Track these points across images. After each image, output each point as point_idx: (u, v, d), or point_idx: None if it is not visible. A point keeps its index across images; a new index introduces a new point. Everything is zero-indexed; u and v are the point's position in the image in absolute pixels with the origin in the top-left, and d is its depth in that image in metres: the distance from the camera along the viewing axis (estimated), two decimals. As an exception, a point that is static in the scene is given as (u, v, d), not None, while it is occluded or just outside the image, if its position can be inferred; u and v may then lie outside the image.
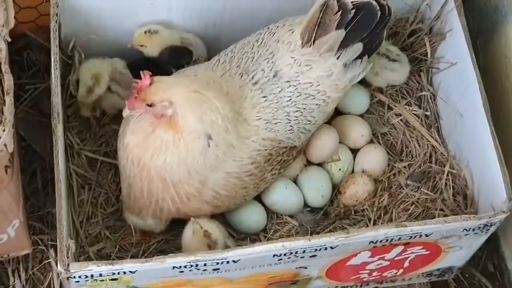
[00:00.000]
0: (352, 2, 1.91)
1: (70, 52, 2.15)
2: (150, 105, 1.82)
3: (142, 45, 2.17)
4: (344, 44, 1.94)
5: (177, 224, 2.07)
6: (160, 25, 2.18)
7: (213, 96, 1.84)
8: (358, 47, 1.95)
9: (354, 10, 1.91)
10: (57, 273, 2.20)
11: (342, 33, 1.92)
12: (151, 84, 1.81)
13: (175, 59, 2.14)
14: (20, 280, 2.21)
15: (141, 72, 1.82)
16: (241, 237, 2.10)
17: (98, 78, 2.12)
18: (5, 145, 1.78)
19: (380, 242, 1.89)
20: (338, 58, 1.95)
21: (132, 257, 2.01)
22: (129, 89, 1.98)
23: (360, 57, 1.98)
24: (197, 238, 1.96)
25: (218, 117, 1.85)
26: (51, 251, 2.21)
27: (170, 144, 1.86)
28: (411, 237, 1.89)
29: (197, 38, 2.22)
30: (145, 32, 2.16)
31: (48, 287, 2.20)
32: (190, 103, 1.83)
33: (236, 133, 1.91)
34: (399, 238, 1.89)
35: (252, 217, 2.10)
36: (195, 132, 1.84)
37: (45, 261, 2.22)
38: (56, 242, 2.18)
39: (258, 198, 2.11)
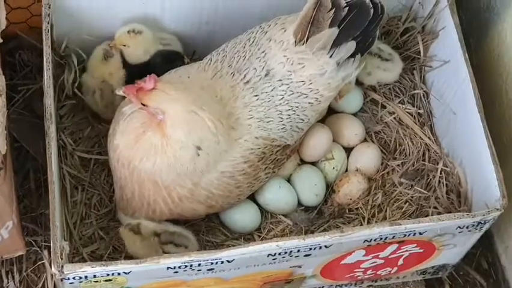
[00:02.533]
0: (345, 0, 1.91)
1: (62, 52, 2.15)
2: (144, 105, 1.83)
3: (124, 45, 2.14)
4: (337, 42, 1.94)
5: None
6: (152, 24, 2.18)
7: (207, 118, 1.85)
8: (351, 46, 1.95)
9: (347, 8, 1.91)
10: (52, 275, 2.20)
11: (335, 31, 1.92)
12: (153, 88, 1.82)
13: (168, 64, 2.13)
14: (14, 282, 2.20)
15: (148, 75, 1.83)
16: (235, 236, 2.10)
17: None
18: (-1, 146, 1.79)
19: (375, 240, 1.89)
20: (330, 56, 1.95)
21: (126, 257, 2.00)
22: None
23: (353, 55, 1.97)
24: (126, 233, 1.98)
25: (208, 135, 1.86)
26: (45, 252, 2.20)
27: (159, 149, 1.87)
28: (405, 235, 1.90)
29: (173, 36, 2.21)
30: (128, 32, 2.14)
31: (43, 288, 2.22)
32: (182, 120, 1.84)
33: (227, 140, 1.91)
34: (394, 236, 1.89)
35: (246, 216, 2.10)
36: (181, 143, 1.85)
37: (39, 263, 2.21)
38: (50, 243, 2.20)
39: (252, 198, 2.11)
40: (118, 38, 2.15)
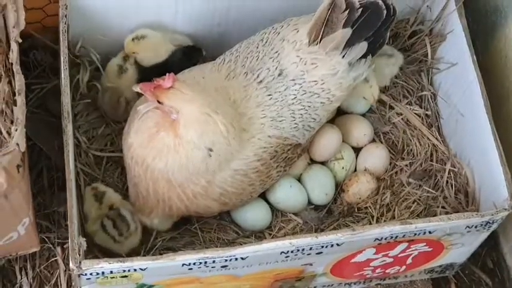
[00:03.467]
0: (359, 1, 1.93)
1: (77, 52, 2.16)
2: (159, 103, 1.84)
3: (134, 53, 2.17)
4: (349, 43, 1.95)
5: (183, 222, 2.10)
6: (166, 25, 2.20)
7: (220, 121, 1.86)
8: (363, 46, 1.97)
9: (361, 9, 1.93)
10: (64, 271, 2.21)
11: (348, 31, 1.94)
12: (170, 87, 1.83)
13: (187, 59, 2.15)
14: (27, 278, 2.21)
15: (167, 74, 1.84)
16: (246, 234, 2.12)
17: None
18: (18, 144, 1.79)
19: (385, 239, 1.91)
20: (343, 57, 1.97)
21: (138, 254, 2.02)
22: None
23: (364, 56, 1.99)
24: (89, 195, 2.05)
25: (220, 138, 1.88)
26: (58, 249, 2.22)
27: (171, 149, 1.88)
28: (415, 234, 1.91)
29: (185, 37, 2.22)
30: (132, 40, 2.16)
31: (55, 284, 2.21)
32: (195, 121, 1.85)
33: (239, 142, 1.93)
34: (404, 235, 1.91)
35: (258, 214, 2.11)
36: (193, 144, 1.87)
37: (52, 259, 2.22)
38: (63, 240, 2.22)
39: (263, 196, 2.12)
40: (126, 47, 2.17)
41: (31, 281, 2.22)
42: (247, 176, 1.98)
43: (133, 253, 2.02)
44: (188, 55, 2.19)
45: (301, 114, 2.01)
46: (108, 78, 2.19)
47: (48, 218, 2.25)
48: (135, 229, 2.03)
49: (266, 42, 2.03)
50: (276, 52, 2.00)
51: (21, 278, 2.22)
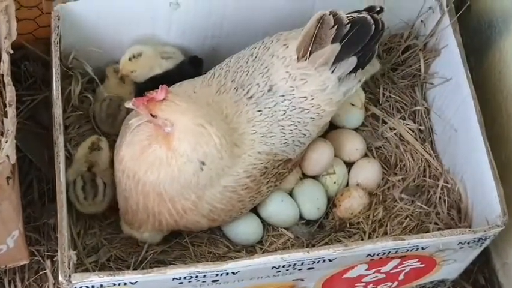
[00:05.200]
0: (347, 17, 1.93)
1: (69, 64, 2.16)
2: (153, 116, 1.84)
3: (132, 72, 2.18)
4: (338, 58, 1.95)
5: (173, 236, 2.09)
6: (159, 37, 2.20)
7: (214, 133, 1.86)
8: (352, 61, 1.97)
9: (349, 24, 1.92)
10: (53, 284, 2.20)
11: (337, 47, 1.94)
12: (163, 99, 1.83)
13: (194, 69, 2.17)
14: (16, 291, 2.23)
15: (160, 86, 1.83)
16: (237, 248, 2.11)
17: None
18: (8, 156, 1.79)
19: (377, 255, 1.91)
20: (332, 72, 1.96)
21: (128, 267, 2.01)
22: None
23: (354, 70, 1.99)
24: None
25: (213, 151, 1.88)
26: (48, 262, 2.21)
27: (164, 161, 1.88)
28: (408, 250, 1.91)
29: (175, 49, 2.23)
30: (129, 59, 2.17)
31: (45, 299, 2.22)
32: (189, 133, 1.85)
33: (230, 156, 1.92)
34: (396, 251, 1.91)
35: (249, 229, 2.11)
36: (186, 157, 1.86)
37: (42, 272, 2.21)
38: (52, 253, 2.22)
39: (255, 211, 2.12)
40: (124, 67, 2.18)
41: (20, 294, 2.22)
42: (236, 192, 1.97)
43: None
44: (197, 65, 2.20)
45: (291, 130, 2.00)
46: (107, 88, 2.19)
47: (38, 230, 2.24)
48: (100, 202, 2.06)
49: (256, 57, 2.02)
50: (266, 67, 1.99)
51: (10, 292, 2.22)
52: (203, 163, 1.88)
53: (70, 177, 2.06)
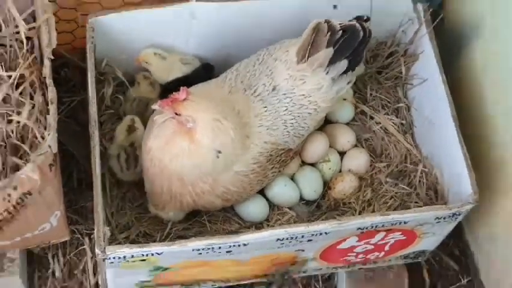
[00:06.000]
0: (339, 24, 1.93)
1: (102, 70, 2.16)
2: (177, 114, 1.84)
3: (147, 62, 2.17)
4: (332, 61, 1.94)
5: (193, 215, 2.10)
6: (179, 46, 2.20)
7: (230, 127, 1.87)
8: (344, 64, 1.96)
9: (341, 31, 1.92)
10: (91, 258, 2.21)
11: (330, 51, 1.93)
12: (185, 99, 1.83)
13: (206, 74, 2.16)
14: (59, 264, 2.22)
15: (182, 87, 1.84)
16: (247, 225, 2.11)
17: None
18: (50, 146, 1.81)
19: (366, 228, 1.91)
20: (326, 73, 1.96)
21: (155, 241, 2.01)
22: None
23: (345, 72, 1.98)
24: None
25: (228, 142, 1.88)
26: (86, 239, 2.23)
27: (186, 152, 1.87)
28: (392, 224, 1.92)
29: (193, 56, 2.23)
30: (154, 54, 2.17)
31: (83, 270, 2.22)
32: (209, 127, 1.85)
33: (242, 146, 1.93)
34: (383, 225, 1.91)
35: (257, 208, 2.11)
36: (207, 147, 1.86)
37: (80, 248, 2.24)
38: (90, 231, 2.23)
39: (262, 193, 2.12)
40: (143, 55, 2.17)
41: (62, 266, 2.23)
42: (246, 176, 1.97)
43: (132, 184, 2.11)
44: (208, 70, 2.20)
45: (292, 123, 2.00)
46: (137, 91, 2.20)
47: (77, 212, 2.27)
48: (139, 171, 2.07)
49: (261, 61, 2.02)
50: (270, 70, 1.99)
51: (54, 264, 2.23)
52: (219, 152, 1.88)
53: (114, 152, 2.10)
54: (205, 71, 2.19)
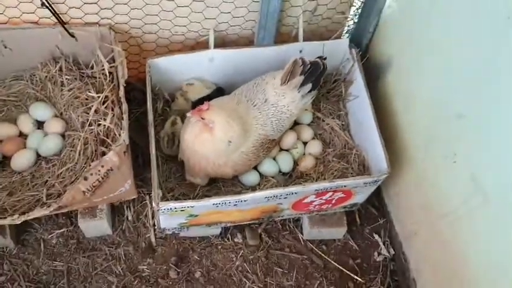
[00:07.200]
0: (309, 61, 1.93)
1: (156, 91, 2.15)
2: (202, 118, 1.83)
3: (185, 91, 2.17)
4: (302, 84, 1.94)
5: (213, 182, 2.09)
6: (205, 75, 2.17)
7: (235, 124, 1.85)
8: (309, 86, 1.95)
9: (309, 65, 1.92)
10: (150, 208, 2.22)
11: (302, 77, 1.93)
12: (207, 109, 1.82)
13: (219, 94, 2.15)
14: (130, 212, 2.23)
15: (205, 101, 1.83)
16: (246, 188, 2.10)
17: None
18: (124, 140, 1.82)
19: (321, 190, 1.92)
20: (298, 92, 1.95)
21: (189, 199, 2.02)
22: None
23: (310, 91, 1.98)
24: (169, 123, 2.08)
25: (235, 135, 1.86)
26: (147, 197, 2.23)
27: (209, 142, 1.86)
28: (336, 187, 1.92)
29: (211, 83, 2.19)
30: (186, 84, 2.16)
31: (145, 216, 2.22)
32: (222, 125, 1.84)
33: (244, 137, 1.91)
34: (330, 188, 1.92)
35: (253, 177, 2.10)
36: (221, 139, 1.85)
37: (144, 202, 2.24)
38: (149, 192, 2.23)
39: (256, 168, 2.11)
40: (182, 86, 2.16)
41: (132, 213, 2.23)
42: (247, 155, 1.96)
43: (168, 157, 2.07)
44: (220, 92, 2.18)
45: (276, 123, 1.99)
46: (176, 104, 2.18)
47: (142, 180, 2.26)
48: (176, 148, 2.05)
49: (257, 84, 2.00)
50: (263, 89, 1.98)
51: (127, 212, 2.23)
52: (230, 142, 1.87)
53: (162, 135, 2.08)
54: (218, 92, 2.18)
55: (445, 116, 1.82)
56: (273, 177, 2.14)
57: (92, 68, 2.06)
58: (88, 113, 1.97)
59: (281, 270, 2.17)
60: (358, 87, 2.15)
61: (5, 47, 1.99)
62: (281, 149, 2.19)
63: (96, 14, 2.01)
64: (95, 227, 2.11)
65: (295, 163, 2.17)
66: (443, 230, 1.88)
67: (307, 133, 2.21)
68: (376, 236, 2.27)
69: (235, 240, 2.20)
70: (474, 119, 1.70)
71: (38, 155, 2.03)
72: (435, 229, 1.93)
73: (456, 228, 1.81)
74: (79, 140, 1.95)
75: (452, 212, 1.82)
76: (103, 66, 2.02)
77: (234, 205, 1.89)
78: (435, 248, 1.95)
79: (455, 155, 1.79)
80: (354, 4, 2.21)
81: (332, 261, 2.20)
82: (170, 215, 1.88)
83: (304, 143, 2.22)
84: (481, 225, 1.70)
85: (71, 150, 1.97)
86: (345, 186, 1.93)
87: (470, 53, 1.68)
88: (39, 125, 2.09)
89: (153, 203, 1.80)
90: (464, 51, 1.70)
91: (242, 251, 2.18)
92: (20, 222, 1.79)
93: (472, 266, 1.74)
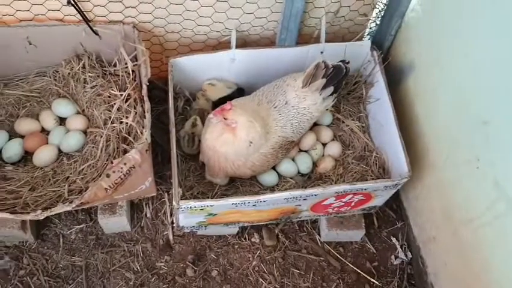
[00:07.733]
0: (332, 64, 1.91)
1: (177, 90, 2.15)
2: (225, 118, 1.83)
3: (205, 90, 2.16)
4: (324, 87, 1.93)
5: (232, 181, 2.08)
6: (225, 76, 2.16)
7: (258, 125, 1.85)
8: (331, 89, 1.94)
9: (332, 68, 1.91)
10: (169, 206, 2.22)
11: (324, 80, 1.92)
12: (230, 109, 1.81)
13: (240, 94, 2.14)
14: (149, 209, 2.23)
15: (228, 101, 1.83)
16: (265, 188, 2.10)
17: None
18: (146, 139, 1.81)
19: (340, 192, 1.91)
20: (320, 94, 1.94)
21: (208, 198, 2.02)
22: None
23: (331, 94, 1.96)
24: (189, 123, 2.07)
25: (256, 136, 1.86)
26: (166, 194, 2.23)
27: (230, 141, 1.86)
28: (356, 190, 1.91)
29: (233, 83, 2.19)
30: (208, 84, 2.15)
31: (164, 213, 2.22)
32: (245, 126, 1.83)
33: (265, 138, 1.90)
34: (350, 190, 1.91)
35: (271, 178, 2.09)
36: (243, 139, 1.85)
37: (162, 199, 2.24)
38: (168, 189, 2.23)
39: (274, 168, 2.10)
40: (203, 86, 2.16)
41: (151, 211, 2.23)
42: (266, 156, 1.96)
43: (188, 155, 2.07)
44: (241, 92, 2.18)
45: (296, 125, 1.98)
46: (198, 103, 2.18)
47: (161, 178, 2.26)
48: (196, 148, 2.05)
49: (278, 86, 2.00)
50: (284, 91, 1.97)
51: (146, 209, 2.24)
52: (251, 142, 1.86)
53: (183, 135, 2.08)
54: (239, 93, 2.18)
55: (469, 120, 1.80)
56: (291, 178, 2.13)
57: (115, 66, 2.06)
58: (111, 111, 1.97)
59: (298, 271, 2.16)
60: (379, 89, 2.13)
61: (30, 44, 2.00)
62: (300, 150, 2.18)
63: (120, 12, 2.01)
64: (115, 223, 2.11)
65: (314, 164, 2.16)
66: (466, 235, 1.85)
67: (326, 134, 2.20)
68: (394, 239, 2.25)
69: (252, 240, 2.19)
70: (499, 124, 1.67)
71: (60, 151, 2.04)
72: (456, 234, 1.90)
73: (480, 234, 1.78)
74: (101, 137, 1.95)
75: (476, 218, 1.79)
76: (126, 64, 2.02)
77: (253, 205, 1.88)
78: (456, 253, 1.92)
79: (478, 161, 1.76)
80: (377, 6, 2.19)
81: (349, 264, 2.19)
82: (190, 213, 1.88)
83: (324, 144, 2.20)
84: (506, 232, 1.67)
85: (93, 147, 1.97)
86: (365, 189, 1.91)
87: (496, 58, 1.65)
88: (62, 121, 2.10)
89: (173, 202, 1.80)
90: (490, 55, 1.67)
91: (259, 251, 2.17)
92: (42, 218, 1.80)
93: (495, 272, 1.71)
